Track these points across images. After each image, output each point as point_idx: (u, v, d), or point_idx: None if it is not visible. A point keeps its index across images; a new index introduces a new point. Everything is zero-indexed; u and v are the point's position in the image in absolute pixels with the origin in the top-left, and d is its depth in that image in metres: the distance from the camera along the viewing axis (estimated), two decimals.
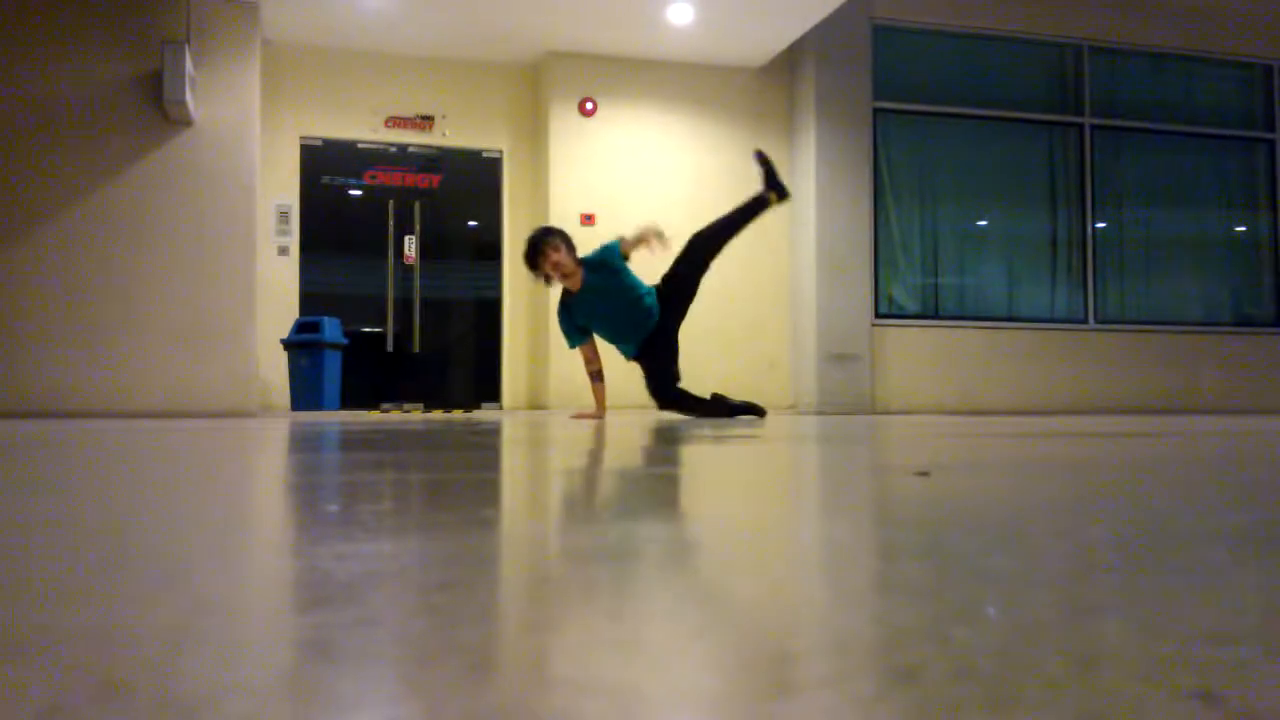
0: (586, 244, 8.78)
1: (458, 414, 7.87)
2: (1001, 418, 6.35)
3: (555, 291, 8.61)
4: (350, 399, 8.40)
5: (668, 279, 5.85)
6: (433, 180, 9.07)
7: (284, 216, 8.53)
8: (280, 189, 8.49)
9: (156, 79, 6.67)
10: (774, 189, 5.90)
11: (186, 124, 6.87)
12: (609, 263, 5.68)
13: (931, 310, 8.92)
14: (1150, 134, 9.48)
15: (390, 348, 9.03)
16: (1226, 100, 9.80)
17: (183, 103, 6.56)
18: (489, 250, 9.19)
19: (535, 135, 9.10)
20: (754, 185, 8.96)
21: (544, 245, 5.65)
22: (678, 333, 5.85)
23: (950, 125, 8.98)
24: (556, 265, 5.62)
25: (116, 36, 6.81)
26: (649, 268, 5.89)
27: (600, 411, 5.85)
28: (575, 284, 5.69)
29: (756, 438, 3.61)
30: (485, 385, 9.18)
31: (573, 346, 5.87)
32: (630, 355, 5.85)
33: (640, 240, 5.67)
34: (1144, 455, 2.66)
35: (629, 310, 5.69)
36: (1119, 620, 0.67)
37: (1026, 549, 1.01)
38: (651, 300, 5.74)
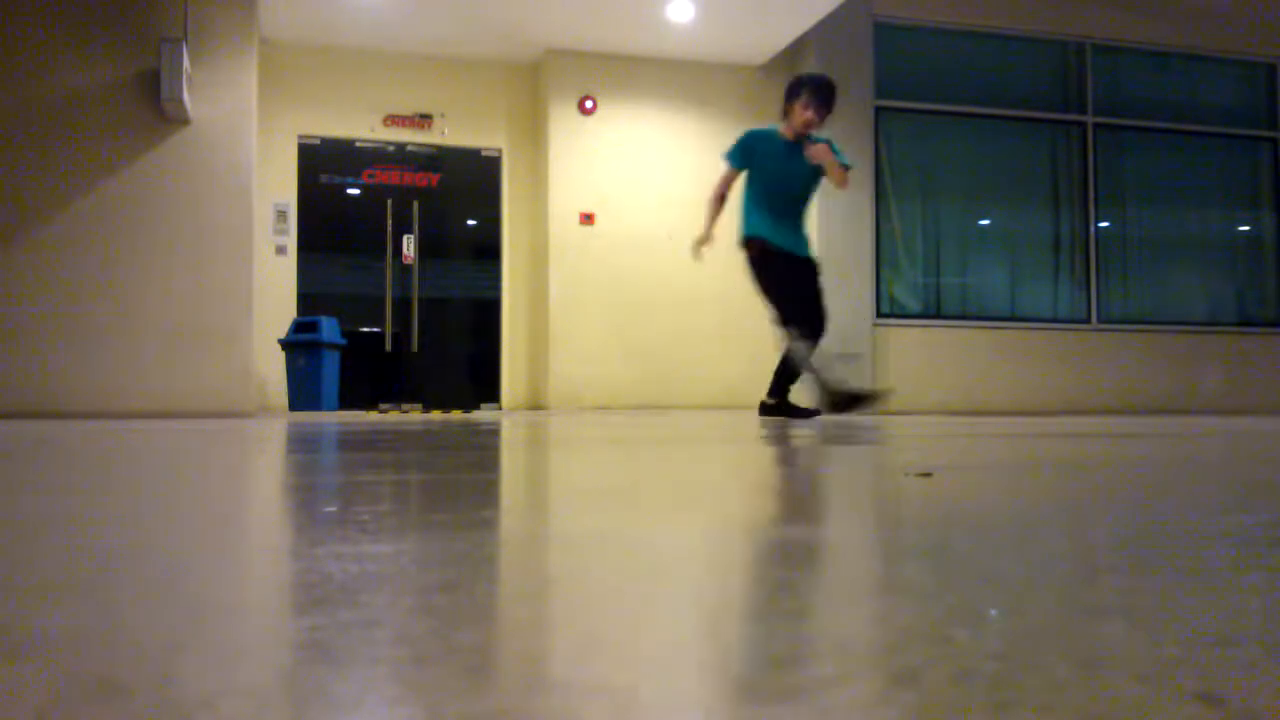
0: (586, 243, 8.84)
1: (456, 414, 7.87)
2: (1004, 418, 6.35)
3: (555, 289, 8.67)
4: (348, 399, 8.39)
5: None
6: (431, 179, 9.07)
7: (282, 215, 8.52)
8: (278, 188, 8.48)
9: (154, 77, 6.66)
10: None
11: (184, 122, 6.86)
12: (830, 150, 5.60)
13: (933, 310, 8.91)
14: (1153, 132, 9.48)
15: (389, 348, 9.02)
16: (1230, 99, 9.79)
17: (180, 101, 6.55)
18: (488, 249, 9.19)
19: (534, 134, 9.10)
20: None
21: (833, 101, 5.56)
22: (817, 290, 5.69)
23: (952, 124, 8.97)
24: (808, 124, 5.54)
25: (114, 34, 6.80)
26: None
27: (710, 232, 5.71)
28: (793, 134, 5.61)
29: (757, 438, 3.61)
30: (484, 386, 9.17)
31: (729, 162, 5.72)
32: (755, 229, 5.64)
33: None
34: (1146, 456, 2.66)
35: (798, 193, 5.68)
36: (1121, 621, 0.67)
37: (1028, 550, 1.00)
38: (804, 220, 5.74)
